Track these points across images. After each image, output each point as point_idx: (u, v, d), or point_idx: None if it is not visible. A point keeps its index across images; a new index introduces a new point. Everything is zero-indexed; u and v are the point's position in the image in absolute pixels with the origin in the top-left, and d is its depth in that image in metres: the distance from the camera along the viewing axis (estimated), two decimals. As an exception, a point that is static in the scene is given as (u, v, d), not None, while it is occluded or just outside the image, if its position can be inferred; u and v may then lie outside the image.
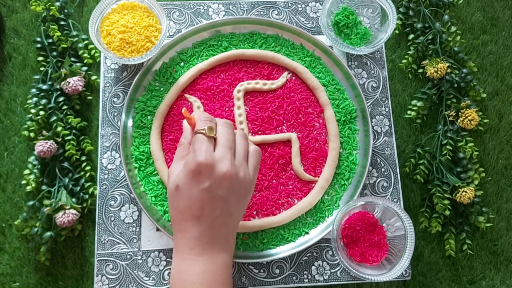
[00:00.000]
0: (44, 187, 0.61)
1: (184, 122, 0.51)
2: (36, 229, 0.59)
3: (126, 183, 0.62)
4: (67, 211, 0.59)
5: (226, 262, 0.47)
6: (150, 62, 0.65)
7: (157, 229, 0.61)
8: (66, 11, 0.69)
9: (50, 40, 0.67)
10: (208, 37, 0.67)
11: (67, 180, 0.61)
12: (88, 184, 0.62)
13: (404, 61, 0.70)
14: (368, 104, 0.67)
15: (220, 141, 0.47)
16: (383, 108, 0.67)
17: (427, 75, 0.68)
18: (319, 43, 0.67)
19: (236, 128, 0.61)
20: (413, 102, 0.69)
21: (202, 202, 0.45)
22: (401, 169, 0.67)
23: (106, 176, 0.62)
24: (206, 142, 0.46)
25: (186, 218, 0.46)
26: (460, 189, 0.63)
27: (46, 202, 0.60)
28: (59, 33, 0.66)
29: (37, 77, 0.66)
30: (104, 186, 0.62)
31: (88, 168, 0.63)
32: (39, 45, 0.66)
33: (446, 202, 0.63)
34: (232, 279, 0.48)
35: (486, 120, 0.69)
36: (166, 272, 0.60)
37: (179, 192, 0.46)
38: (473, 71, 0.70)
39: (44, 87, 0.64)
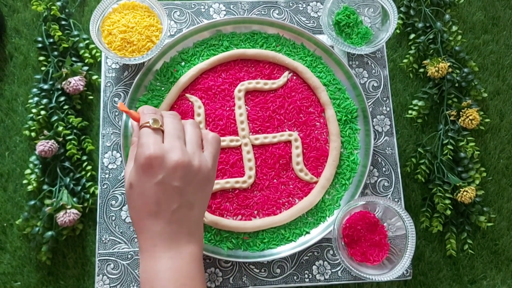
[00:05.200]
0: (45, 186, 0.61)
1: (131, 120, 0.48)
2: (37, 228, 0.59)
3: (127, 182, 0.62)
4: (68, 211, 0.59)
5: (194, 255, 0.45)
6: (151, 62, 0.65)
7: (158, 229, 0.61)
8: (67, 10, 0.69)
9: (51, 40, 0.67)
10: (209, 37, 0.67)
11: (68, 179, 0.61)
12: (89, 183, 0.63)
13: (405, 60, 0.70)
14: (369, 104, 0.67)
15: (168, 131, 0.45)
16: (384, 108, 0.67)
17: (428, 74, 0.68)
18: (320, 43, 0.67)
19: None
20: (414, 101, 0.69)
21: (157, 197, 0.43)
22: (402, 169, 0.67)
23: (107, 175, 0.63)
24: (152, 135, 0.44)
25: (144, 216, 0.44)
26: (461, 189, 0.63)
27: (47, 201, 0.60)
28: (60, 33, 0.66)
29: (38, 76, 0.66)
30: (105, 186, 0.62)
31: (89, 167, 0.63)
32: (40, 45, 0.66)
33: (447, 201, 0.63)
34: (203, 272, 0.46)
35: (487, 120, 0.69)
36: (167, 272, 0.60)
37: (133, 191, 0.44)
38: (474, 70, 0.70)
39: (45, 86, 0.64)
